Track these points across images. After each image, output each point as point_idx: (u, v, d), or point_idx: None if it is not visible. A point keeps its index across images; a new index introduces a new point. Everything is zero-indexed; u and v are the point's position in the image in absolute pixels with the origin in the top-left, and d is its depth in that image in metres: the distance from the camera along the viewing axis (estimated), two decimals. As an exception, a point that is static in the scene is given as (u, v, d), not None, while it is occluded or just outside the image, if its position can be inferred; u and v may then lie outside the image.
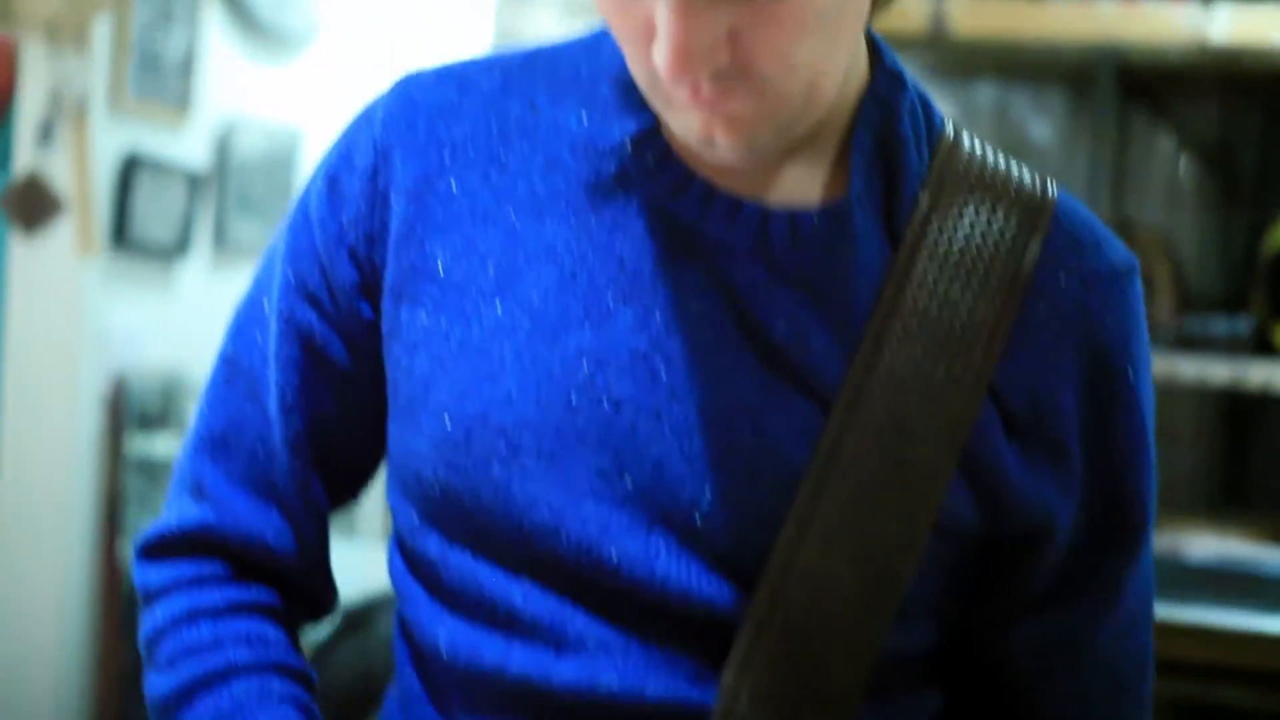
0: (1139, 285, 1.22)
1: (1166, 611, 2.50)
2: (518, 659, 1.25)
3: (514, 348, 1.18)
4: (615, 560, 1.20)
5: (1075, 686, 1.29)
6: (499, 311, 1.19)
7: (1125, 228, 3.28)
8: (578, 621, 1.23)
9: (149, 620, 1.35)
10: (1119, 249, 1.21)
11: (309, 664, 1.37)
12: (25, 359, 3.38)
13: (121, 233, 3.44)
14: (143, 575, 1.35)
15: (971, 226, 1.18)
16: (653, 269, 1.17)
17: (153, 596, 1.35)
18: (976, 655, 1.29)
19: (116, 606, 3.46)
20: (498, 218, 1.20)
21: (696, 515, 1.18)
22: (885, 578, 1.18)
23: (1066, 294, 1.18)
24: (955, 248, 1.17)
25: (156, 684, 1.33)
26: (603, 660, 1.23)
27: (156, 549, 1.33)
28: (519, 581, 1.23)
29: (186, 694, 1.32)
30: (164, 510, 1.35)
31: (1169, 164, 3.57)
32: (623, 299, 1.18)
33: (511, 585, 1.24)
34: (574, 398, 1.19)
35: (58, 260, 3.34)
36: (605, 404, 1.19)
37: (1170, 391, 3.24)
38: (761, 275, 1.15)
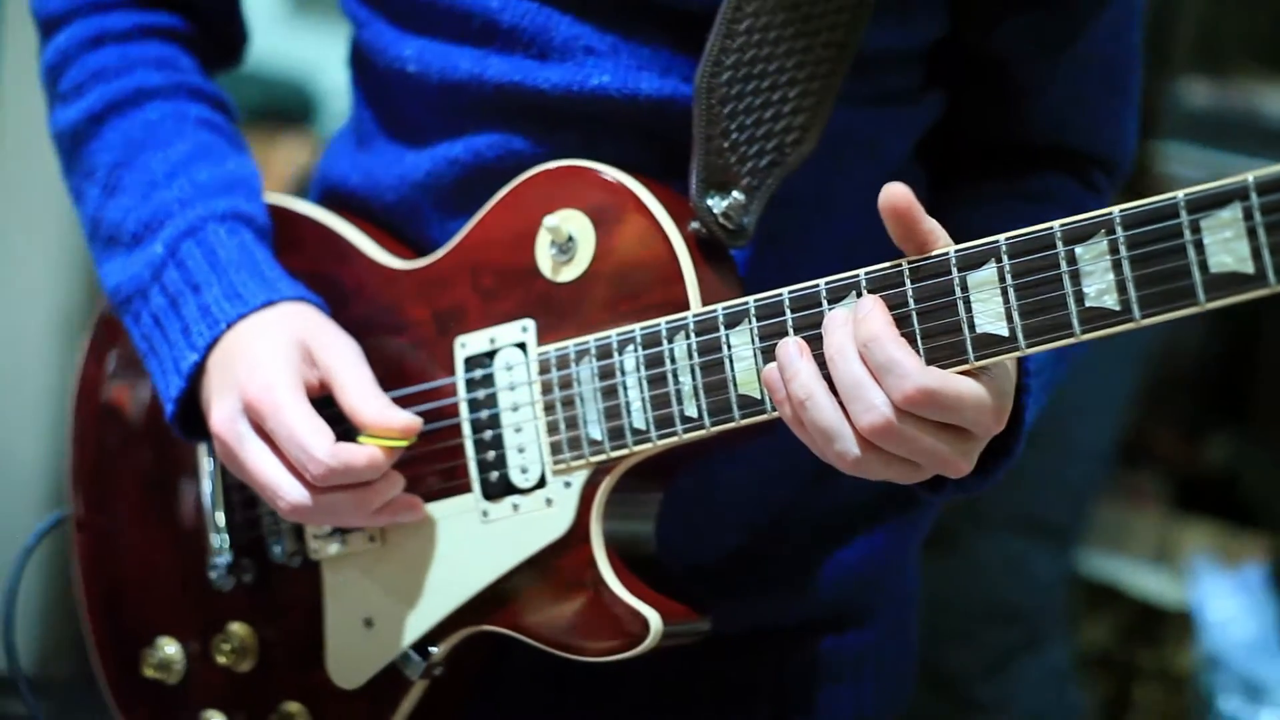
0: None
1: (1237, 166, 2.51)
2: (496, 67, 1.25)
3: None
4: None
5: (1070, 87, 1.32)
6: None
7: None
8: (561, 26, 1.23)
9: (51, 49, 1.33)
10: None
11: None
12: None
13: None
14: (41, 2, 1.34)
15: None
16: None
17: (54, 23, 1.34)
18: (974, 57, 1.31)
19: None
20: None
21: None
22: None
23: None
24: None
25: (62, 115, 1.32)
26: (591, 63, 1.23)
27: None
28: None
29: (96, 119, 1.31)
30: None
31: None
32: None
33: None
34: None
35: None
36: None
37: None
38: None
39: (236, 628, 1.35)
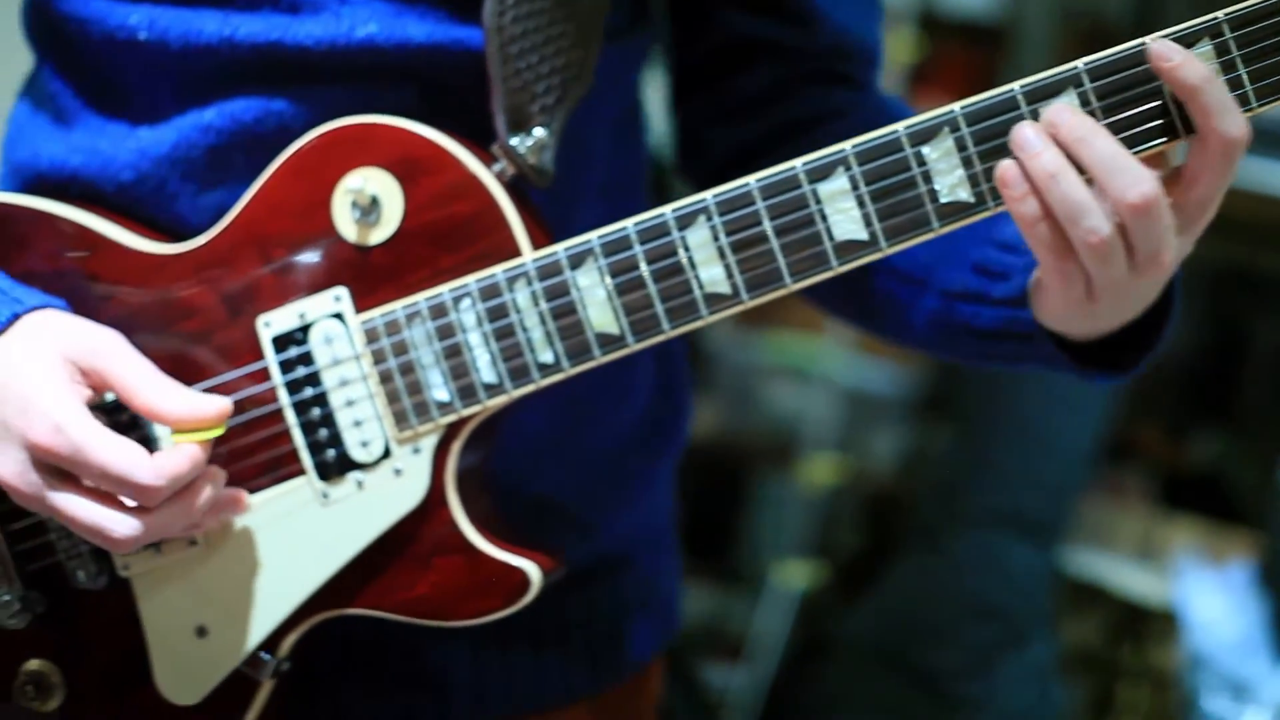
0: None
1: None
2: (246, 26, 1.17)
3: None
4: None
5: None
6: None
7: None
8: None
9: None
10: None
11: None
12: None
13: None
14: None
15: None
16: None
17: None
18: None
19: None
20: None
21: None
22: None
23: None
24: None
25: None
26: (348, 13, 1.16)
27: None
28: None
29: None
30: None
31: None
32: None
33: None
34: None
35: None
36: None
37: None
38: None
39: (35, 665, 1.23)
